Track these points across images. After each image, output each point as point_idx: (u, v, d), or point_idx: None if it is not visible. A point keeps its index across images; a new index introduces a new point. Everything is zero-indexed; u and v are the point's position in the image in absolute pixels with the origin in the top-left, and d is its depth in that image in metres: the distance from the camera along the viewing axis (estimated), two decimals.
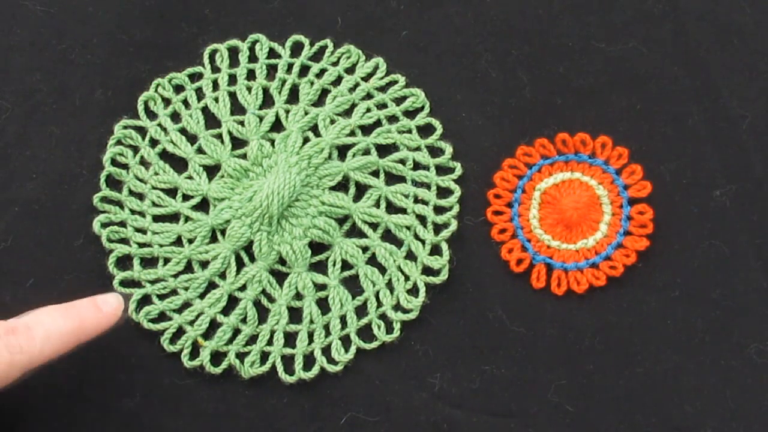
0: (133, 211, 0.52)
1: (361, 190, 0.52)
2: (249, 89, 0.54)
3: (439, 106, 0.53)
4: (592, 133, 0.52)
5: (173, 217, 0.52)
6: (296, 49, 0.54)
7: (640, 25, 0.54)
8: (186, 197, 0.52)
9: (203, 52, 0.54)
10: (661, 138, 0.52)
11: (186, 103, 0.54)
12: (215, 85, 0.54)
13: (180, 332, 0.51)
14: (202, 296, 0.51)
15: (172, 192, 0.52)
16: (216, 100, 0.54)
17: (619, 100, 0.53)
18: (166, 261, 0.51)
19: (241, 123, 0.53)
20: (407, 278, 0.51)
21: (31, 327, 0.43)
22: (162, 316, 0.51)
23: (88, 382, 0.50)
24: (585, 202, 0.52)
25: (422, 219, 0.52)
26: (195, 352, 0.50)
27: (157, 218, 0.52)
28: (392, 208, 0.52)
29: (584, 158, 0.52)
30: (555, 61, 0.54)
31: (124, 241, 0.52)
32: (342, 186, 0.52)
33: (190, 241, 0.52)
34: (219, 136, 0.53)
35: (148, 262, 0.52)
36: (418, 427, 0.50)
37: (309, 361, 0.50)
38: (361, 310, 0.51)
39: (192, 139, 0.53)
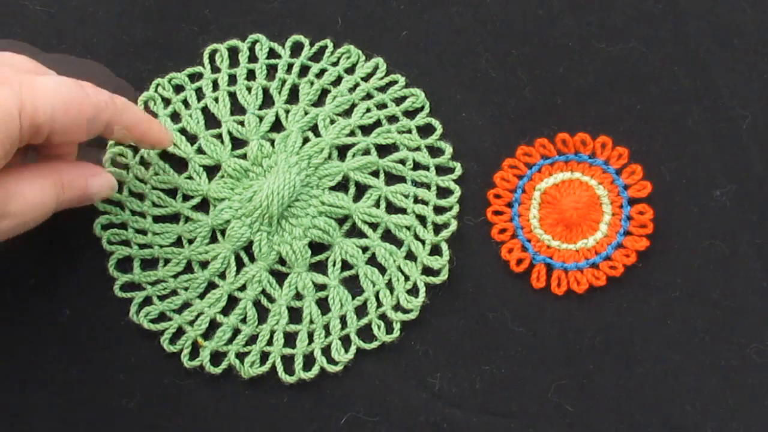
0: (133, 212, 0.52)
1: (361, 190, 0.52)
2: (249, 89, 0.54)
3: (439, 106, 0.53)
4: (592, 133, 0.52)
5: (173, 218, 0.52)
6: (296, 49, 0.54)
7: (640, 25, 0.54)
8: (186, 197, 0.52)
9: (203, 52, 0.54)
10: (661, 138, 0.52)
11: (186, 103, 0.54)
12: (215, 85, 0.54)
13: (180, 332, 0.51)
14: (201, 296, 0.51)
15: (172, 192, 0.52)
16: (216, 100, 0.54)
17: (619, 100, 0.53)
18: (166, 262, 0.52)
19: (241, 123, 0.53)
20: (407, 278, 0.51)
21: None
22: (162, 317, 0.51)
23: (88, 382, 0.50)
24: (585, 202, 0.52)
25: (422, 219, 0.52)
26: (195, 352, 0.50)
27: (157, 219, 0.52)
28: (392, 208, 0.52)
29: (584, 158, 0.52)
30: (555, 61, 0.54)
31: (125, 242, 0.52)
32: (342, 186, 0.52)
33: (190, 242, 0.52)
34: (219, 136, 0.53)
35: (148, 263, 0.52)
36: (418, 427, 0.50)
37: (309, 361, 0.50)
38: (361, 310, 0.51)
39: (192, 139, 0.53)
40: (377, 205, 0.52)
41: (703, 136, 0.52)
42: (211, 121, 0.54)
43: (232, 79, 0.54)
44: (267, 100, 0.54)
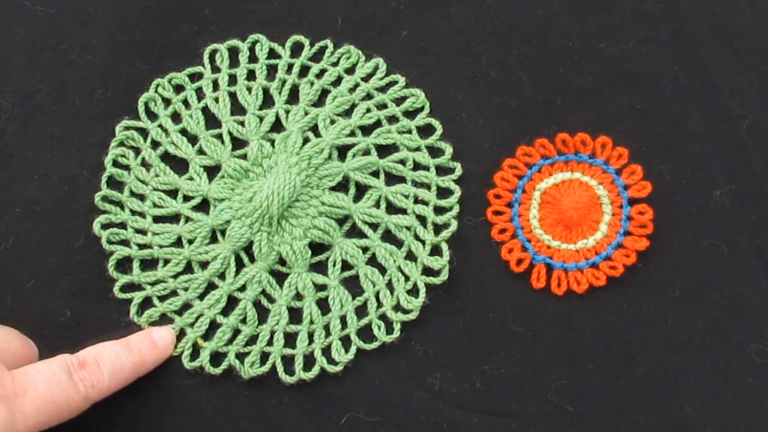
0: (133, 212, 0.52)
1: (361, 190, 0.52)
2: (249, 89, 0.54)
3: (439, 106, 0.53)
4: (592, 133, 0.52)
5: (174, 218, 0.52)
6: (296, 50, 0.54)
7: (640, 25, 0.54)
8: (186, 198, 0.52)
9: (203, 52, 0.54)
10: (661, 138, 0.52)
11: (186, 103, 0.54)
12: (215, 85, 0.54)
13: (180, 333, 0.51)
14: (201, 297, 0.51)
15: (172, 193, 0.52)
16: (216, 100, 0.54)
17: (619, 100, 0.53)
18: (166, 262, 0.52)
19: (242, 123, 0.53)
20: (407, 279, 0.51)
21: (99, 363, 0.46)
22: (162, 318, 0.51)
23: None
24: (585, 202, 0.52)
25: (422, 219, 0.52)
26: (195, 353, 0.50)
27: (157, 219, 0.52)
28: (392, 209, 0.52)
29: (584, 158, 0.52)
30: (555, 61, 0.54)
31: (124, 242, 0.52)
32: (342, 186, 0.52)
33: (190, 242, 0.52)
34: (219, 137, 0.53)
35: (148, 263, 0.52)
36: (418, 427, 0.50)
37: (309, 361, 0.50)
38: (361, 311, 0.51)
39: (192, 139, 0.53)
40: (377, 205, 0.52)
41: (703, 136, 0.52)
42: (211, 121, 0.54)
43: (233, 79, 0.54)
44: (267, 101, 0.54)
